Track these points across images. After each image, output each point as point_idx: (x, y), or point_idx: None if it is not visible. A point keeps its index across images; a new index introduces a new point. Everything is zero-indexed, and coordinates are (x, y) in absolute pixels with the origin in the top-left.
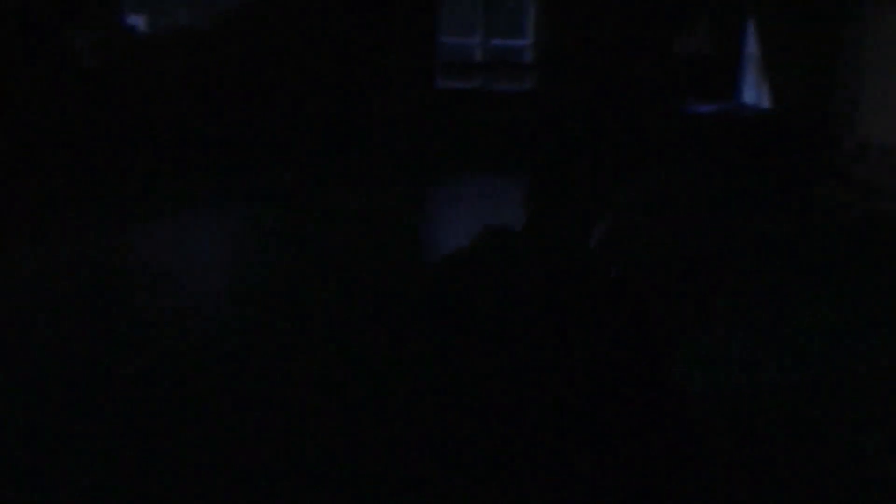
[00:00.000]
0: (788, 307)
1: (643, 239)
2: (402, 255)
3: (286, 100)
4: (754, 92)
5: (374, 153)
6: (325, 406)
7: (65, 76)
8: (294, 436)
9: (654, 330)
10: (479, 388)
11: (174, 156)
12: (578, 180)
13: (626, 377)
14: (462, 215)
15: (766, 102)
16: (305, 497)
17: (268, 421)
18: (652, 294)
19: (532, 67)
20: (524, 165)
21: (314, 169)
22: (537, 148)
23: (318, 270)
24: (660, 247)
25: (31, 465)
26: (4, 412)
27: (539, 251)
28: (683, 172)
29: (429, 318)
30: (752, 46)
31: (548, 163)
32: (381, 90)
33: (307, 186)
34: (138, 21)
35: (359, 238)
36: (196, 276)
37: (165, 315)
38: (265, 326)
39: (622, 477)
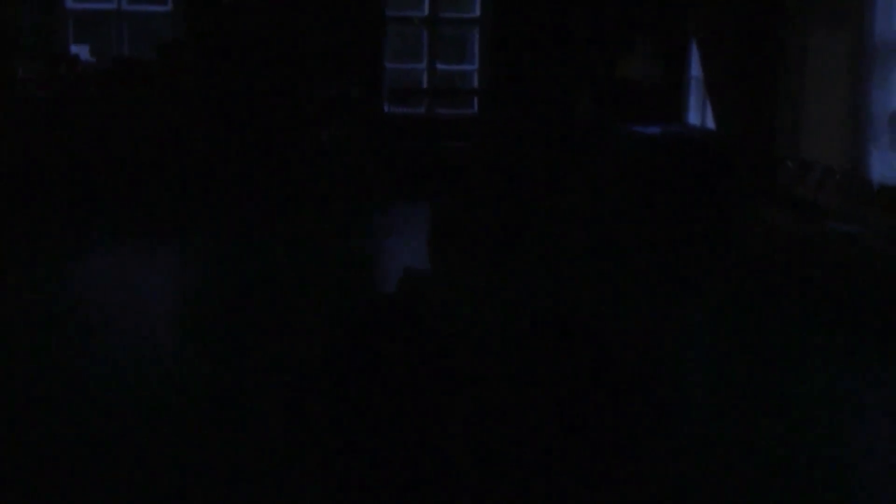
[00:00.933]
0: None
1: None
2: (341, 284)
3: (233, 128)
4: (699, 114)
5: (322, 179)
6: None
7: (8, 105)
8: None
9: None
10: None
11: (118, 186)
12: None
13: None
14: (405, 242)
15: (710, 124)
16: None
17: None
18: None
19: (477, 92)
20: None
21: (260, 195)
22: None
23: (258, 298)
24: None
25: None
26: None
27: (446, 300)
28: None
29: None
30: (696, 69)
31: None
32: (330, 117)
33: (252, 212)
34: (83, 51)
35: (300, 266)
36: (133, 312)
37: (97, 358)
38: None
39: None
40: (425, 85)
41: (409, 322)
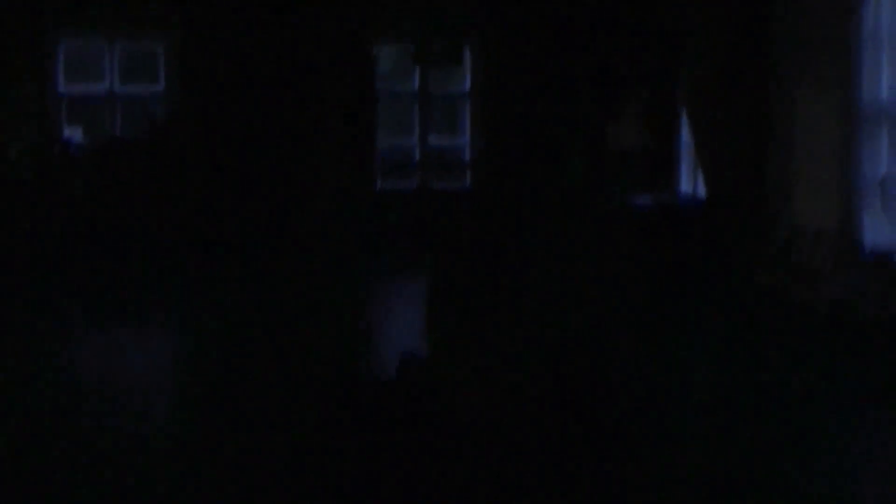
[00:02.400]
0: None
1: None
2: (337, 367)
3: (227, 203)
4: (691, 180)
5: (316, 254)
6: None
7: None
8: None
9: None
10: None
11: (110, 265)
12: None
13: None
14: (400, 317)
15: (702, 191)
16: None
17: None
18: None
19: (470, 165)
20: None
21: (253, 270)
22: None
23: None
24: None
25: None
26: None
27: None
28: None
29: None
30: (686, 136)
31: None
32: (322, 193)
33: (246, 289)
34: (77, 133)
35: (292, 341)
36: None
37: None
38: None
39: None
40: (416, 159)
41: (410, 413)
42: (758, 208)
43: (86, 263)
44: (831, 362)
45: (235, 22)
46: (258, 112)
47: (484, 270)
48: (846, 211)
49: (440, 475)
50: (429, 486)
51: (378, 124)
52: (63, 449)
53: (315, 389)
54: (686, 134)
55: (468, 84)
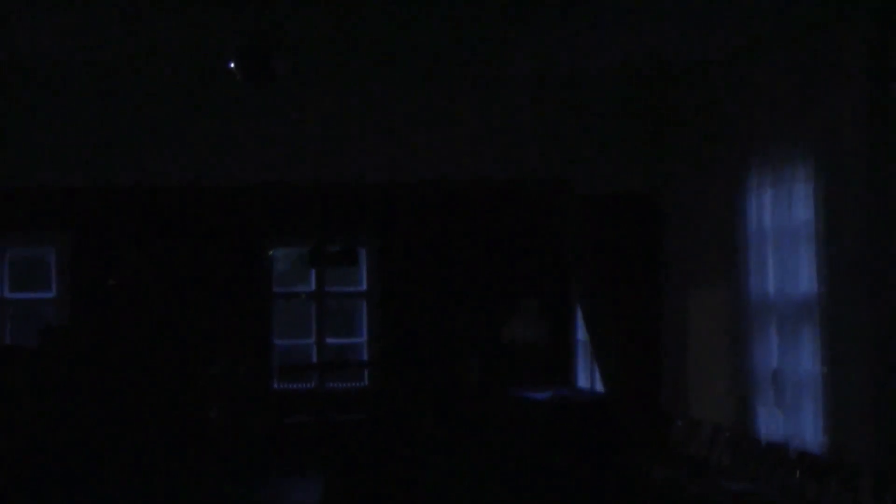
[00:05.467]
0: None
1: None
2: None
3: (120, 409)
4: (588, 376)
5: (211, 456)
6: None
7: None
8: None
9: None
10: None
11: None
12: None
13: None
14: None
15: (599, 386)
16: None
17: None
18: None
19: (367, 364)
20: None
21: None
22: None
23: None
24: None
25: None
26: None
27: None
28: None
29: None
30: (583, 332)
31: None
32: (218, 394)
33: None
34: None
35: None
36: None
37: None
38: None
39: None
40: (315, 359)
41: None
42: (653, 403)
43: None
44: None
45: (127, 227)
46: (152, 313)
47: (379, 477)
48: (740, 404)
49: None
50: None
51: (274, 325)
52: None
53: None
54: (581, 331)
55: (364, 285)
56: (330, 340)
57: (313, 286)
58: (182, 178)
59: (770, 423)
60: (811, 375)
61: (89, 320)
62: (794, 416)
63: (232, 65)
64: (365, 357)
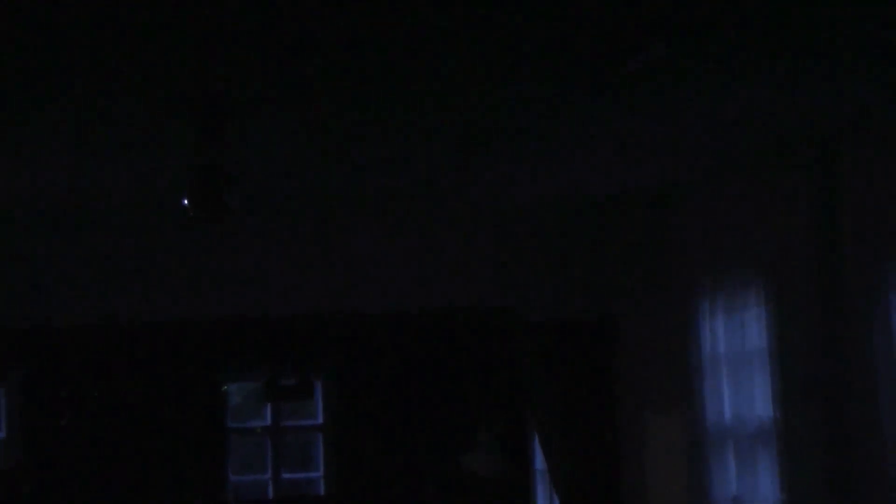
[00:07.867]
0: None
1: None
2: None
3: None
4: None
5: None
6: None
7: None
8: None
9: None
10: None
11: None
12: None
13: None
14: None
15: None
16: None
17: None
18: None
19: (323, 499)
20: None
21: None
22: None
23: None
24: None
25: None
26: None
27: None
28: None
29: None
30: (541, 462)
31: None
32: None
33: None
34: None
35: None
36: None
37: None
38: None
39: None
40: (271, 495)
41: None
42: None
43: None
44: None
45: (79, 365)
46: (106, 453)
47: None
48: None
49: None
50: None
51: (229, 460)
52: None
53: None
54: (540, 460)
55: (321, 418)
56: (286, 475)
57: (269, 420)
58: (133, 315)
59: None
60: (770, 503)
61: (40, 461)
62: None
63: (185, 201)
64: (322, 491)
